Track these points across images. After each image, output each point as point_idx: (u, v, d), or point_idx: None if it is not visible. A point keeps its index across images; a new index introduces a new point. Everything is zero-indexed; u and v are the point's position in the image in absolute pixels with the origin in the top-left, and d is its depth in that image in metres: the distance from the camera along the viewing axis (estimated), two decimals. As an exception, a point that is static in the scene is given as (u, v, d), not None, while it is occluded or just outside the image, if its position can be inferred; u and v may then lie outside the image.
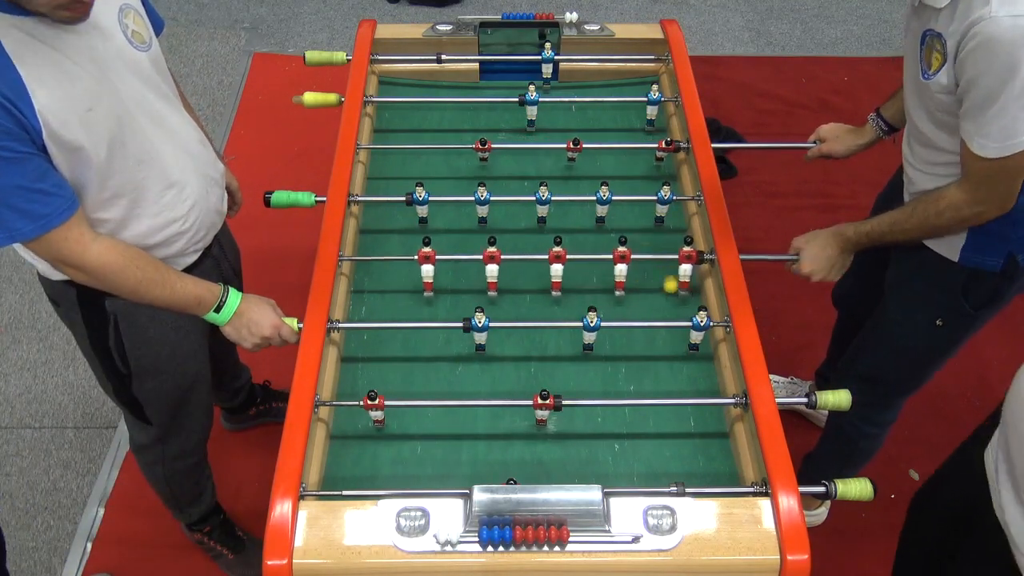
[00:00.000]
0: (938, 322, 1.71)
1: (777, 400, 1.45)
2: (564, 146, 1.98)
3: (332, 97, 2.04)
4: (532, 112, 2.04)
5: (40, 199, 1.30)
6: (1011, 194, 1.48)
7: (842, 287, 2.17)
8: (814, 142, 2.03)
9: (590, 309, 1.59)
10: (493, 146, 1.98)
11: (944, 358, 1.82)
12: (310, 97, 2.03)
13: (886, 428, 2.01)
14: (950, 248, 1.62)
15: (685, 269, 1.72)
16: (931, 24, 1.42)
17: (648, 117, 2.07)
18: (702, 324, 1.59)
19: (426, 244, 1.68)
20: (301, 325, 1.57)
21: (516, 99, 2.02)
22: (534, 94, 2.00)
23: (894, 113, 1.89)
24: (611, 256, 1.71)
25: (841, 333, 2.26)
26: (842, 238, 1.72)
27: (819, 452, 2.14)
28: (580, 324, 1.59)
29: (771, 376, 2.34)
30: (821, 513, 2.28)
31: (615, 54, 2.20)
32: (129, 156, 1.43)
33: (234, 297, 1.57)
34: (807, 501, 2.21)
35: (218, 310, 1.55)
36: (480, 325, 1.58)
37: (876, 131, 1.93)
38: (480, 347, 1.64)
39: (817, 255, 1.74)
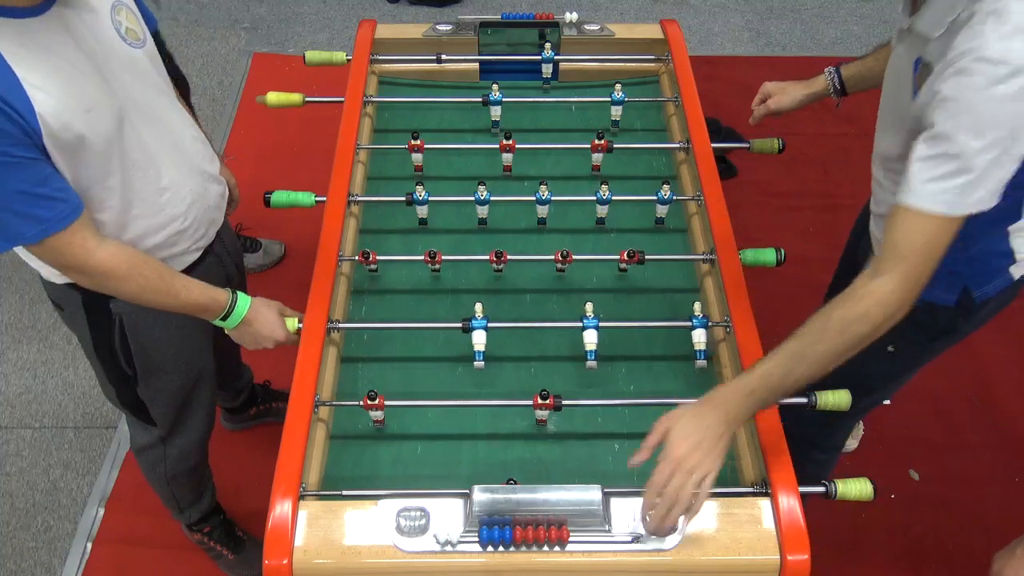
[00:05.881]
0: (890, 348, 1.61)
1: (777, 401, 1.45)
2: (561, 147, 1.98)
3: (296, 97, 2.03)
4: (496, 112, 2.04)
5: (42, 203, 1.29)
6: (926, 283, 1.22)
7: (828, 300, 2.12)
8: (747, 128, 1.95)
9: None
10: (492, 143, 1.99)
11: (894, 385, 1.75)
12: (273, 97, 2.03)
13: (836, 453, 1.94)
14: None
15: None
16: (923, 52, 1.28)
17: (613, 117, 2.06)
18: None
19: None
20: (300, 324, 1.57)
21: (518, 99, 2.01)
22: (497, 94, 2.01)
23: (852, 75, 1.76)
24: (613, 257, 1.71)
25: None
26: (718, 399, 1.27)
27: None
28: (579, 324, 1.59)
29: None
30: None
31: (615, 54, 2.20)
32: (125, 156, 1.43)
33: (243, 304, 1.54)
34: None
35: (225, 318, 1.53)
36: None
37: (829, 85, 1.80)
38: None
39: (693, 429, 1.25)
